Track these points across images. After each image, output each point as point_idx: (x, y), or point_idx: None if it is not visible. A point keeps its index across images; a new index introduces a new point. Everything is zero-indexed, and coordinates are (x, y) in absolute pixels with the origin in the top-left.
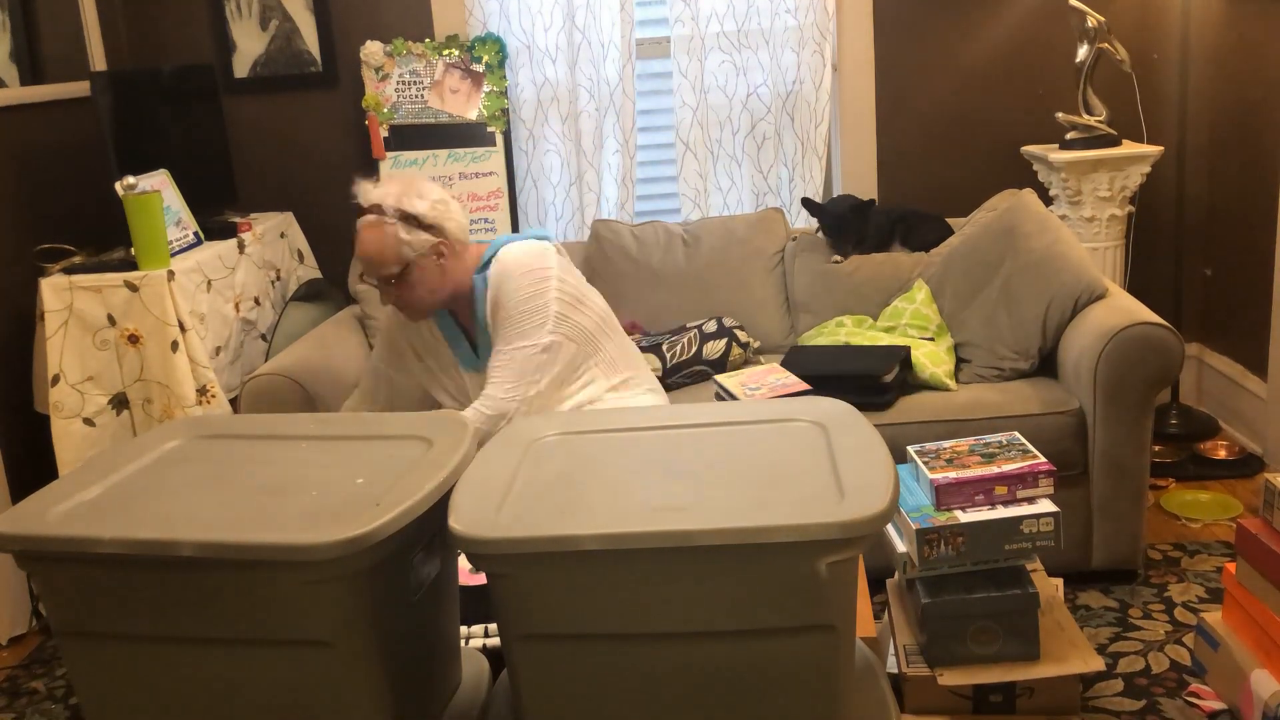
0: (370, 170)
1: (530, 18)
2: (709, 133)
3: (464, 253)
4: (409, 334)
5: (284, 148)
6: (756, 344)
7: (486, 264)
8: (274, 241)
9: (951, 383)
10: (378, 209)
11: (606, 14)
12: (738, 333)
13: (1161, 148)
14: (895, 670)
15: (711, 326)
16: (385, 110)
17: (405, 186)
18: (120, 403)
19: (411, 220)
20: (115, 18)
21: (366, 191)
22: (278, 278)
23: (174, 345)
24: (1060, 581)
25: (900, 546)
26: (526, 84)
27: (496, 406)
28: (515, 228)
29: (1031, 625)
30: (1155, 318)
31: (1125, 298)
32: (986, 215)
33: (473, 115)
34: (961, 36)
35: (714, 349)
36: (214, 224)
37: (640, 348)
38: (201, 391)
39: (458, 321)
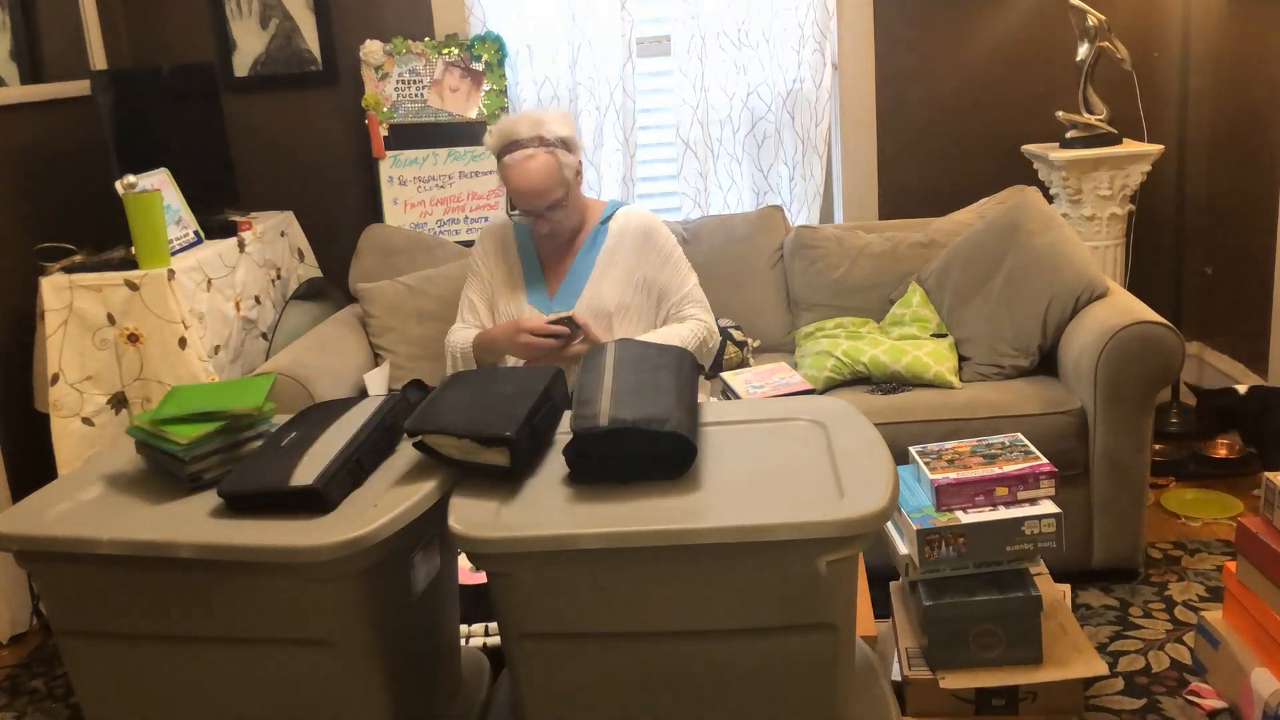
0: (370, 170)
1: (530, 16)
2: (709, 131)
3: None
4: (496, 266)
5: (284, 146)
6: (756, 343)
7: (607, 217)
8: (274, 240)
9: (955, 380)
10: (540, 140)
11: (607, 12)
12: (734, 332)
13: (1162, 146)
14: (899, 676)
15: None
16: (385, 109)
17: (541, 116)
18: (119, 402)
19: (565, 144)
20: (115, 17)
21: (514, 128)
22: (278, 276)
23: (182, 342)
24: (1068, 588)
25: (902, 548)
26: (526, 83)
27: (710, 329)
28: None
29: (1034, 629)
30: (1156, 316)
31: (1126, 296)
32: (992, 209)
33: (472, 114)
34: (962, 35)
35: None
36: (214, 223)
37: None
38: None
39: (541, 263)
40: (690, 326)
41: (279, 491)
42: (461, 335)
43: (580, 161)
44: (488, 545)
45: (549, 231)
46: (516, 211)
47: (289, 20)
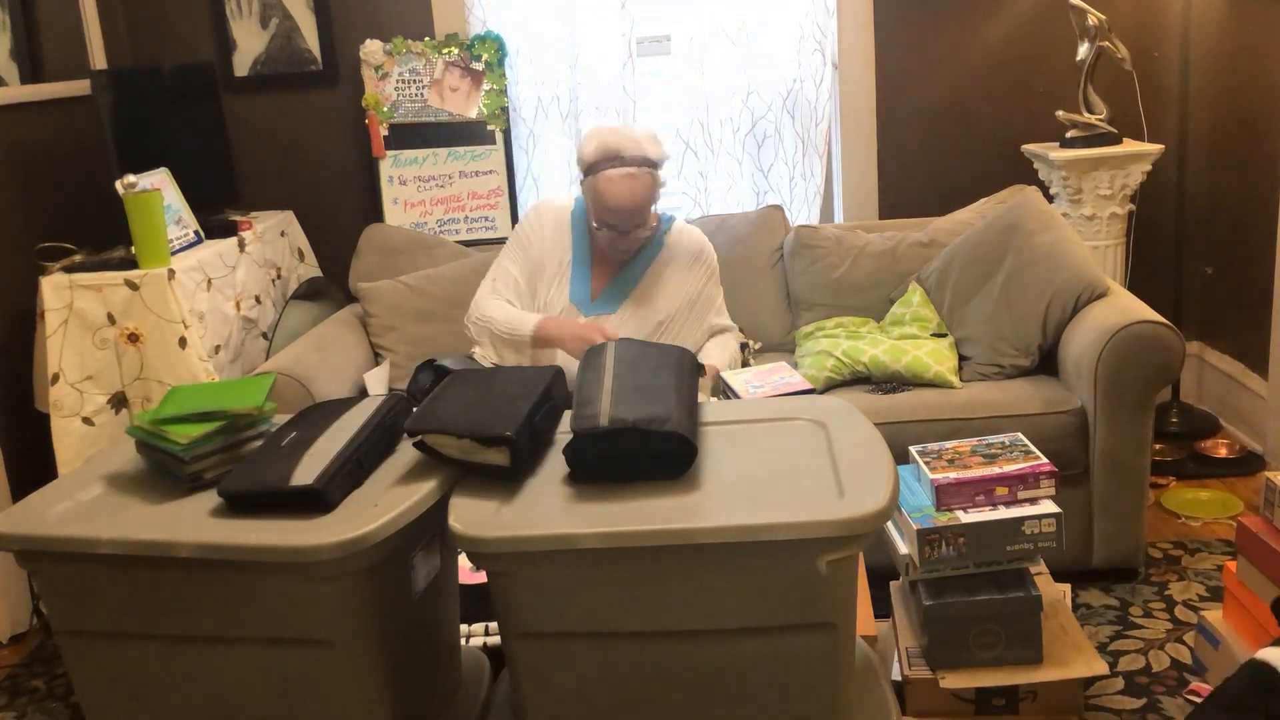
0: (370, 170)
1: (530, 16)
2: (709, 131)
3: None
4: (547, 249)
5: (284, 146)
6: (757, 344)
7: (665, 230)
8: (274, 240)
9: (955, 380)
10: (644, 160)
11: (607, 12)
12: None
13: (1162, 146)
14: (900, 676)
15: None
16: (385, 109)
17: (642, 135)
18: (119, 402)
19: (659, 165)
20: (115, 16)
21: (618, 145)
22: (278, 276)
23: (182, 342)
24: (1068, 587)
25: (902, 548)
26: (526, 82)
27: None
28: None
29: (1034, 628)
30: (1156, 316)
31: (1126, 296)
32: (992, 208)
33: (473, 114)
34: (962, 34)
35: None
36: (214, 222)
37: None
38: None
39: (591, 262)
40: (731, 342)
41: (279, 491)
42: (499, 310)
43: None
44: (488, 545)
45: (625, 247)
46: (597, 225)
47: (289, 20)
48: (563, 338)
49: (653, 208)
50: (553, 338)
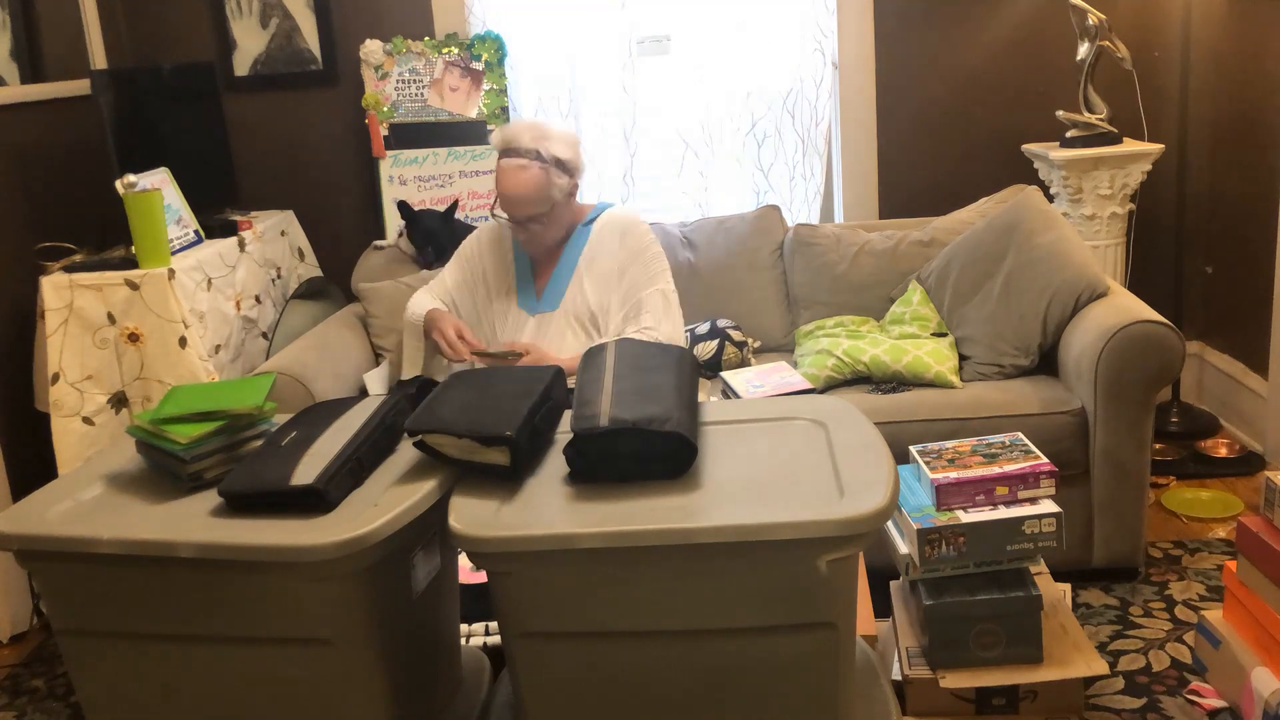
0: (370, 169)
1: (530, 16)
2: (709, 131)
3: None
4: (488, 264)
5: (284, 146)
6: (756, 344)
7: (592, 219)
8: (274, 239)
9: (956, 379)
10: (533, 154)
11: (607, 12)
12: (732, 333)
13: (1162, 145)
14: (900, 676)
15: (704, 328)
16: (385, 108)
17: (548, 131)
18: (119, 401)
19: (561, 165)
20: (116, 16)
21: (516, 135)
22: (278, 276)
23: (182, 341)
24: (1068, 587)
25: (902, 547)
26: (526, 82)
27: (668, 336)
28: None
29: (1034, 628)
30: (1156, 316)
31: (1126, 296)
32: (993, 208)
33: (472, 113)
34: (962, 34)
35: (705, 350)
36: (214, 222)
37: None
38: None
39: (532, 266)
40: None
41: (279, 491)
42: (424, 302)
43: (576, 184)
44: (488, 544)
45: (525, 240)
46: (498, 210)
47: (289, 19)
48: (430, 329)
49: (548, 205)
50: (429, 326)
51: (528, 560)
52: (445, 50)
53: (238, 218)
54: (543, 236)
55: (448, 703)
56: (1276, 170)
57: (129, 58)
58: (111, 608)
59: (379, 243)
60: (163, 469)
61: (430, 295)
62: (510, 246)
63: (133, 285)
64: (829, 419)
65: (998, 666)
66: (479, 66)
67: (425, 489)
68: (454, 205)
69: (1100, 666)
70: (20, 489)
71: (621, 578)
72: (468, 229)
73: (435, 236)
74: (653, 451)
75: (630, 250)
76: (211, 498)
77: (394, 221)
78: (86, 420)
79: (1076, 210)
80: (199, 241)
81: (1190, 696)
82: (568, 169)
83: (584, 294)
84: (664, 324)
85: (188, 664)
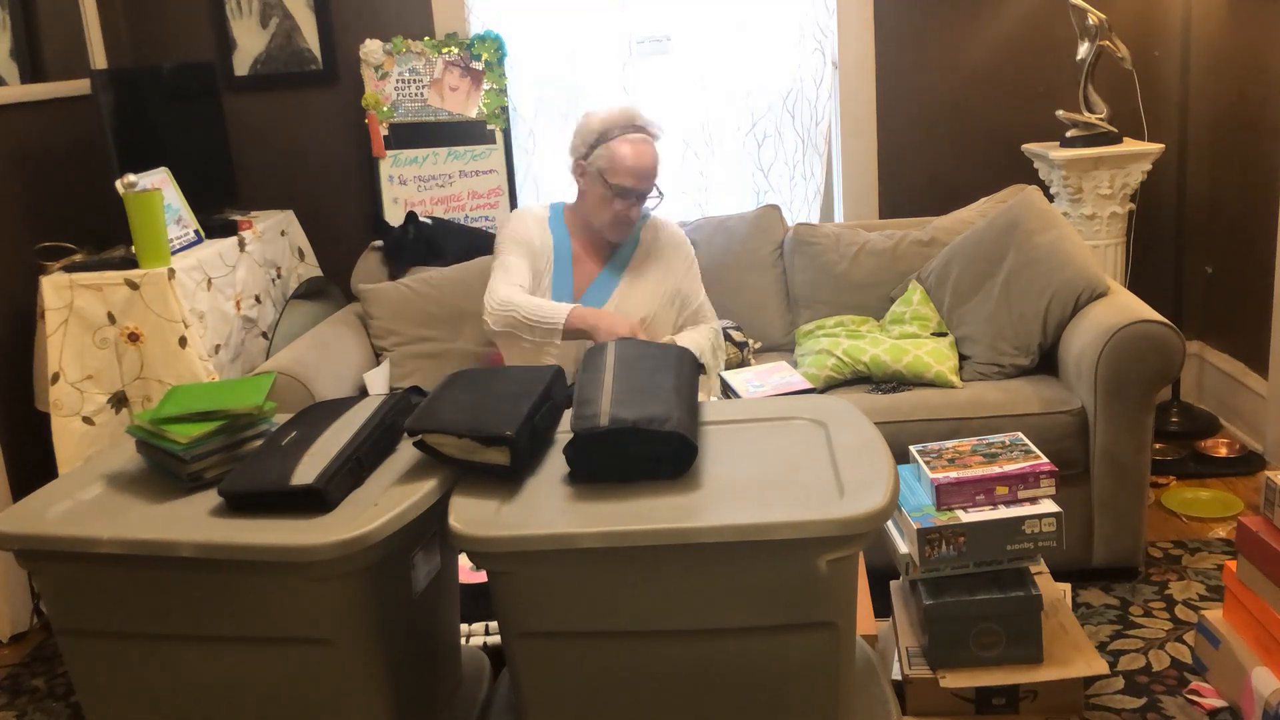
0: (370, 169)
1: (530, 16)
2: (709, 131)
3: None
4: (536, 249)
5: (284, 146)
6: (757, 344)
7: (640, 225)
8: (274, 239)
9: (956, 379)
10: (658, 127)
11: (607, 12)
12: (733, 333)
13: (1162, 145)
14: (900, 676)
15: None
16: (385, 108)
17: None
18: (119, 401)
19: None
20: (116, 15)
21: (637, 112)
22: (278, 276)
23: (182, 341)
24: (1068, 587)
25: (902, 547)
26: (526, 82)
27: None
28: None
29: (1034, 628)
30: (1156, 315)
31: (1126, 295)
32: (993, 207)
33: (472, 113)
34: (962, 34)
35: None
36: (214, 222)
37: None
38: None
39: (572, 262)
40: (704, 332)
41: (279, 491)
42: (524, 297)
43: None
44: (488, 544)
45: (626, 221)
46: (613, 194)
47: (289, 19)
48: (598, 327)
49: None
50: (588, 325)
51: (528, 560)
52: (445, 50)
53: (238, 217)
54: (641, 216)
55: (448, 703)
56: (1276, 170)
57: (129, 58)
58: (111, 608)
59: (378, 243)
60: (163, 469)
61: (515, 288)
62: (551, 237)
63: (133, 285)
64: (829, 419)
65: (998, 666)
66: (479, 66)
67: (425, 489)
68: (411, 215)
69: (1100, 666)
70: (20, 489)
71: (621, 578)
72: (449, 227)
73: (405, 250)
74: (652, 451)
75: (681, 267)
76: (211, 498)
77: (394, 219)
78: (86, 420)
79: (1076, 210)
80: (199, 241)
81: (1190, 696)
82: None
83: (632, 302)
84: (719, 325)
85: (188, 664)
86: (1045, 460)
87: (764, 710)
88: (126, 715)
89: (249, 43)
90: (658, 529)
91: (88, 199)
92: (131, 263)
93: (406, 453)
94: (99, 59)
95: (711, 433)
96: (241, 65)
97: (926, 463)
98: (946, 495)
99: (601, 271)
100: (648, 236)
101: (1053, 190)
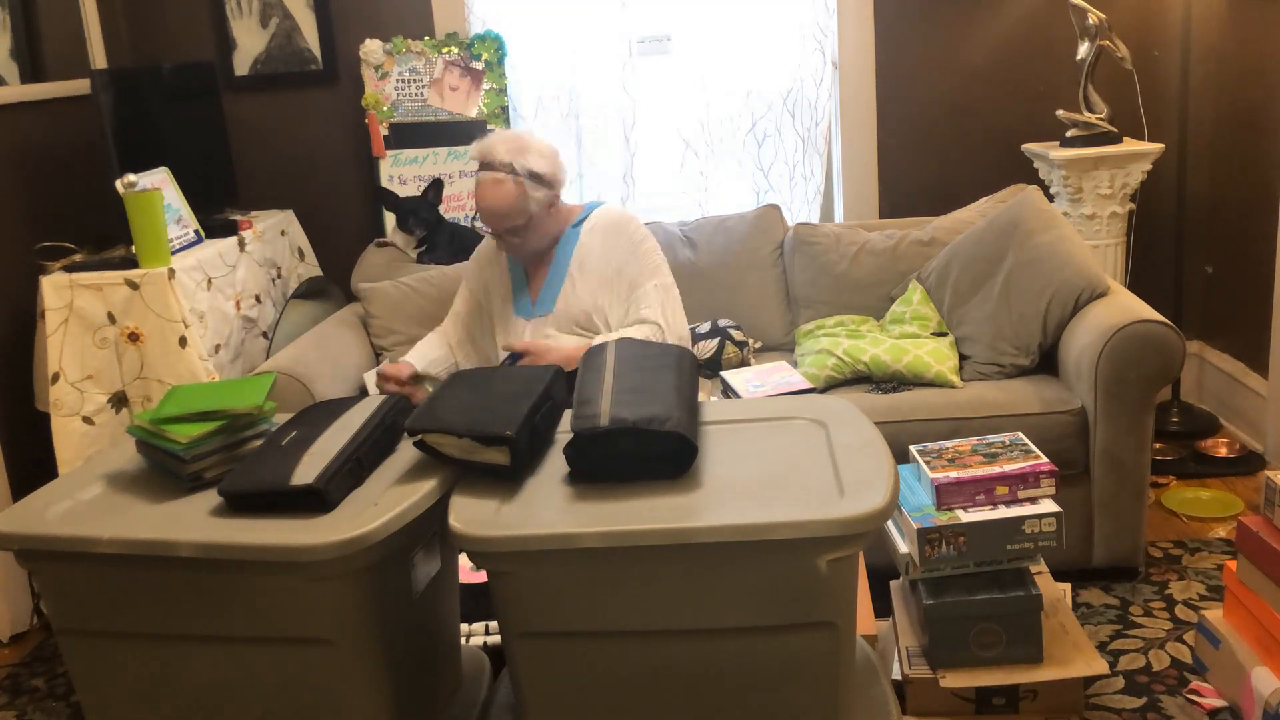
0: (370, 169)
1: (530, 16)
2: (709, 131)
3: (561, 204)
4: (489, 276)
5: (284, 145)
6: (757, 344)
7: (581, 220)
8: (275, 239)
9: (956, 379)
10: (508, 167)
11: (607, 11)
12: (733, 332)
13: (1162, 145)
14: (900, 676)
15: (705, 327)
16: (385, 108)
17: (525, 144)
18: (119, 401)
19: (536, 178)
20: (116, 15)
21: (492, 149)
22: (278, 275)
23: (182, 341)
24: (1068, 586)
25: (902, 547)
26: (526, 81)
27: (668, 327)
28: None
29: (1034, 627)
30: (1156, 315)
31: (1126, 295)
32: (993, 207)
33: (472, 113)
34: (962, 33)
35: (705, 349)
36: (215, 222)
37: None
38: None
39: (526, 271)
40: (639, 331)
41: (279, 491)
42: (418, 351)
43: (555, 195)
44: (488, 544)
45: (507, 251)
46: (479, 222)
47: (289, 19)
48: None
49: (525, 217)
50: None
51: (528, 560)
52: (445, 50)
53: (238, 217)
54: (523, 246)
55: (448, 703)
56: (1276, 170)
57: (129, 57)
58: (111, 608)
59: (380, 240)
60: (163, 469)
61: (438, 336)
62: (502, 262)
63: (133, 285)
64: (829, 419)
65: (998, 666)
66: (479, 66)
67: (425, 489)
68: (435, 183)
69: (1100, 666)
70: (20, 489)
71: (621, 578)
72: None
73: (418, 213)
74: (653, 451)
75: (623, 248)
76: (211, 498)
77: (392, 220)
78: (86, 420)
79: (1076, 210)
80: (199, 241)
81: (1190, 696)
82: (545, 182)
83: (577, 295)
84: (663, 316)
85: (188, 664)
86: (1045, 460)
87: (764, 710)
88: (126, 715)
89: (249, 42)
90: (658, 529)
91: (88, 199)
92: (131, 263)
93: (406, 453)
94: (99, 59)
95: (711, 433)
96: (241, 65)
97: (926, 462)
98: (946, 495)
99: (549, 272)
100: (587, 228)
101: (1053, 190)
